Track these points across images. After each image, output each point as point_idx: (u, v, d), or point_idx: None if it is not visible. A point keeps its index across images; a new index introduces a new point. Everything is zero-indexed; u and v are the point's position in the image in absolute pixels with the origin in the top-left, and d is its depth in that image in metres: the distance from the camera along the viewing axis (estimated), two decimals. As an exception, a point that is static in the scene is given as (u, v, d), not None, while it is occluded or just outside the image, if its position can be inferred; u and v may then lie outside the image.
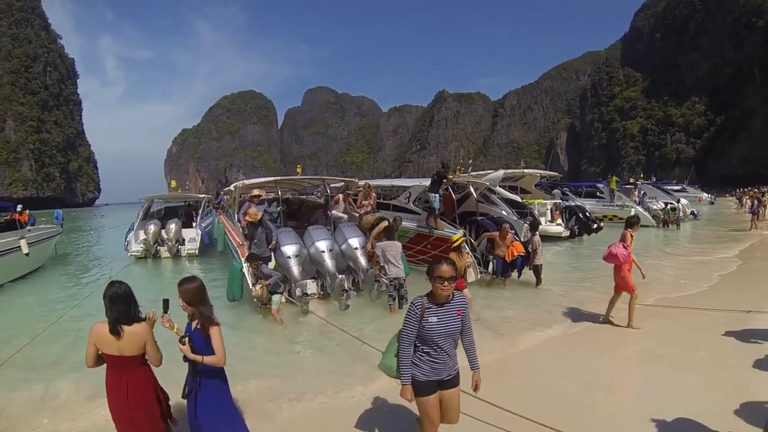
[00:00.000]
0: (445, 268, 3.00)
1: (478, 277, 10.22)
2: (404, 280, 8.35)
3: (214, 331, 2.99)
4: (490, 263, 10.69)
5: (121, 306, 3.03)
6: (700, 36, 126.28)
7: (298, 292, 8.04)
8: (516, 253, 9.88)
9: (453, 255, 7.28)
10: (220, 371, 3.15)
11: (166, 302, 3.08)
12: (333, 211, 10.83)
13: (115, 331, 2.97)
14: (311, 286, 8.66)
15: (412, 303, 3.16)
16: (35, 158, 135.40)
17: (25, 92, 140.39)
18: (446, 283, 2.99)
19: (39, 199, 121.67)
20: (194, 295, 3.04)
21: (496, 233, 10.17)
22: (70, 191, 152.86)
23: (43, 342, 6.94)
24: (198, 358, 2.95)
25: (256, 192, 9.49)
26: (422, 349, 3.11)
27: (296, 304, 8.10)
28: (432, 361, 3.09)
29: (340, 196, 11.33)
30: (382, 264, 8.34)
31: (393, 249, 8.32)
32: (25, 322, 8.59)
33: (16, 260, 12.24)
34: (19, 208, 15.66)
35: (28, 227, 14.02)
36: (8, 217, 13.50)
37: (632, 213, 23.19)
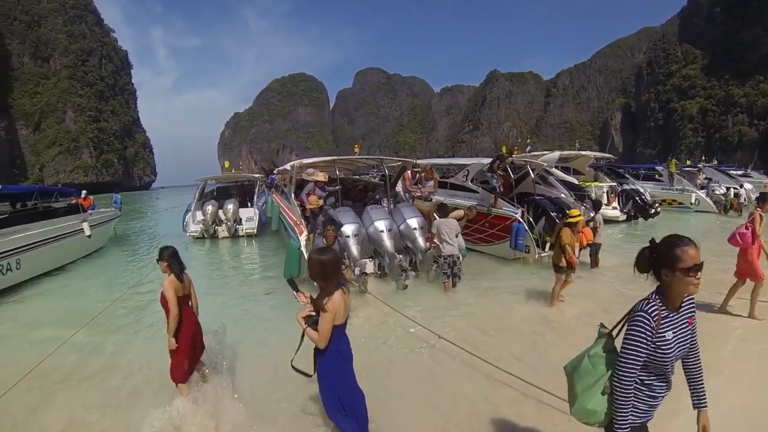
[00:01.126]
0: (694, 252, 2.11)
1: (536, 257, 10.00)
2: (458, 257, 8.27)
3: (323, 312, 3.05)
4: (547, 243, 10.44)
5: (179, 259, 4.28)
6: (764, 9, 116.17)
7: (356, 271, 8.04)
8: (586, 241, 9.19)
9: (566, 231, 6.96)
10: (329, 352, 3.15)
11: (291, 282, 3.83)
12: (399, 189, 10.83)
13: (181, 279, 4.24)
14: (369, 266, 8.67)
15: (640, 313, 2.16)
16: (94, 146, 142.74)
17: (82, 84, 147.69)
18: (699, 274, 2.12)
19: (99, 184, 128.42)
20: (317, 268, 3.13)
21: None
22: (127, 176, 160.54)
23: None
24: (302, 323, 3.20)
25: (320, 176, 9.39)
26: (643, 380, 2.24)
27: (354, 284, 8.14)
28: (651, 397, 2.26)
29: (409, 172, 11.19)
30: (436, 242, 8.31)
31: (448, 226, 8.23)
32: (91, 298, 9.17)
33: (79, 241, 13.05)
34: (83, 193, 16.62)
35: (89, 211, 14.80)
36: (73, 202, 14.26)
37: (693, 198, 22.27)
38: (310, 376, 3.29)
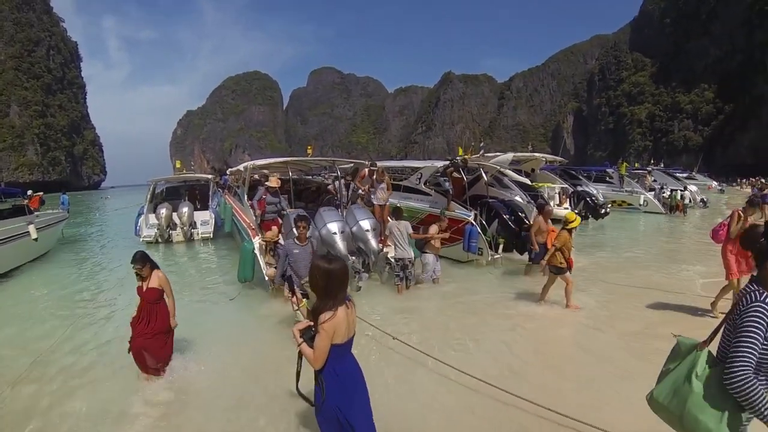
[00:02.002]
0: None
1: (489, 259, 10.20)
2: (410, 261, 8.44)
3: (320, 329, 2.65)
4: (500, 246, 10.68)
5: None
6: (711, 22, 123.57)
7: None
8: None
9: (564, 234, 7.19)
10: (325, 373, 2.75)
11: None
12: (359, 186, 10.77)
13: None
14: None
15: (760, 305, 1.98)
16: (40, 142, 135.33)
17: (28, 76, 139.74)
18: None
19: (45, 183, 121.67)
20: (322, 278, 2.71)
21: (539, 218, 9.23)
22: (75, 174, 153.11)
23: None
24: (297, 337, 2.78)
25: (273, 182, 9.13)
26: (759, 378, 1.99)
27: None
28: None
29: (366, 171, 11.07)
30: (389, 244, 8.42)
31: (400, 229, 8.44)
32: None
33: (25, 245, 12.37)
34: (29, 193, 15.76)
35: (36, 213, 14.07)
36: (19, 203, 13.52)
37: (642, 200, 23.32)
38: (312, 404, 2.84)
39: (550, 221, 9.14)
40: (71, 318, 7.57)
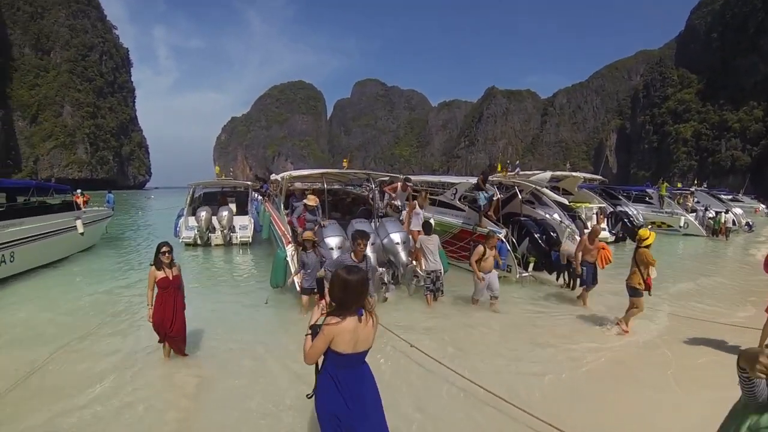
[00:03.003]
0: None
1: (517, 277, 10.15)
2: (441, 273, 8.62)
3: (321, 330, 2.80)
4: (530, 264, 10.62)
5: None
6: (759, 36, 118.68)
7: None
8: (609, 261, 8.82)
9: (644, 253, 6.82)
10: (322, 375, 2.91)
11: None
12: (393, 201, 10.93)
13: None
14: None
15: None
16: (90, 142, 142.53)
17: (82, 80, 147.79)
18: None
19: (93, 180, 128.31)
20: (339, 287, 2.84)
21: (585, 239, 8.78)
22: (122, 174, 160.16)
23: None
24: (308, 328, 2.94)
25: (311, 201, 9.22)
26: None
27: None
28: None
29: (399, 184, 11.25)
30: (420, 257, 8.55)
31: (431, 243, 8.58)
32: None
33: (72, 238, 13.23)
34: (79, 191, 16.67)
35: (84, 209, 14.93)
36: (68, 199, 14.32)
37: (682, 221, 22.60)
38: (309, 396, 2.98)
39: (596, 241, 8.68)
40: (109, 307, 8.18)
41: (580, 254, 8.62)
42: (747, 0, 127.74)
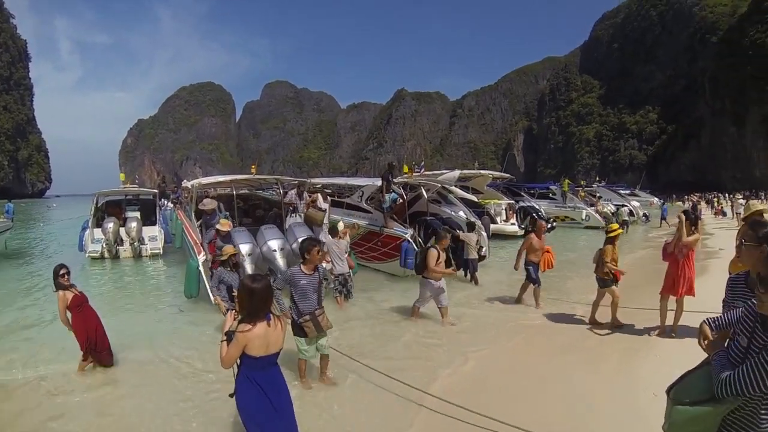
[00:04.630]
0: None
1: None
2: (350, 275, 8.92)
3: (234, 337, 3.00)
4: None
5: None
6: (656, 48, 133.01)
7: None
8: (551, 265, 8.71)
9: (608, 247, 6.99)
10: (239, 376, 3.14)
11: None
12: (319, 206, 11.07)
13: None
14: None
15: None
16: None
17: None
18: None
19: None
20: (246, 296, 3.03)
21: (532, 235, 8.52)
22: (19, 181, 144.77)
23: None
24: (222, 335, 3.18)
25: (224, 225, 8.58)
26: None
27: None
28: None
29: (319, 195, 11.44)
30: (328, 260, 8.80)
31: (339, 247, 8.90)
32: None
33: None
34: None
35: None
36: None
37: (584, 215, 24.75)
38: (231, 395, 3.17)
39: (544, 238, 8.60)
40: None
41: (524, 252, 8.46)
42: (645, 15, 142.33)
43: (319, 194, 11.01)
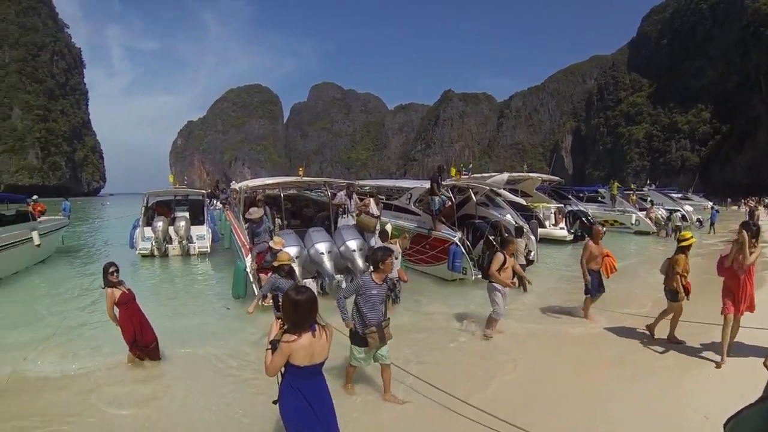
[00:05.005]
0: None
1: (473, 279, 10.41)
2: (398, 280, 8.60)
3: (279, 346, 3.00)
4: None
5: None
6: (706, 43, 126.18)
7: None
8: (614, 269, 8.24)
9: (680, 257, 6.51)
10: (284, 384, 3.12)
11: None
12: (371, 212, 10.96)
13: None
14: (311, 286, 8.90)
15: None
16: (41, 147, 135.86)
17: (31, 81, 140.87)
18: None
19: (44, 187, 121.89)
20: (290, 308, 3.03)
21: (590, 242, 8.03)
22: (75, 180, 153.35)
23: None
24: (267, 343, 3.14)
25: (277, 244, 7.63)
26: None
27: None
28: None
29: (371, 200, 11.34)
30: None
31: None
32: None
33: (28, 251, 12.76)
34: (34, 198, 15.99)
35: (39, 219, 14.42)
36: (24, 209, 13.82)
37: (633, 219, 23.66)
38: (274, 402, 3.18)
39: (602, 243, 8.06)
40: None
41: (585, 261, 7.87)
42: (696, 9, 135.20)
43: (371, 199, 10.85)
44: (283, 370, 3.06)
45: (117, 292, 5.65)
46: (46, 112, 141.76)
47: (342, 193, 11.51)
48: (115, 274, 5.69)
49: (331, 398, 3.26)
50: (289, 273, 6.35)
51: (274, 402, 3.16)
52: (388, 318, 4.89)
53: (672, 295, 6.56)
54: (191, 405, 4.96)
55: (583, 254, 7.91)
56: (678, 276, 6.44)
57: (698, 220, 26.83)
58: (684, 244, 6.58)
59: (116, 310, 5.67)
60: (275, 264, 6.34)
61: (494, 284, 6.93)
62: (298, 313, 2.96)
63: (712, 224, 24.61)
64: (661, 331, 6.85)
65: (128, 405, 4.99)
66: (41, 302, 9.85)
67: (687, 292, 6.51)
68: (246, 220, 9.56)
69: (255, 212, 9.33)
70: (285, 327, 3.05)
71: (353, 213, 10.87)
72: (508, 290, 7.15)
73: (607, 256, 8.07)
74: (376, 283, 4.74)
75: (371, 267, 4.88)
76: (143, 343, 5.83)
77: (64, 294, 10.45)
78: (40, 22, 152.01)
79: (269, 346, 3.05)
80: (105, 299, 5.66)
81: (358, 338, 4.74)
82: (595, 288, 7.87)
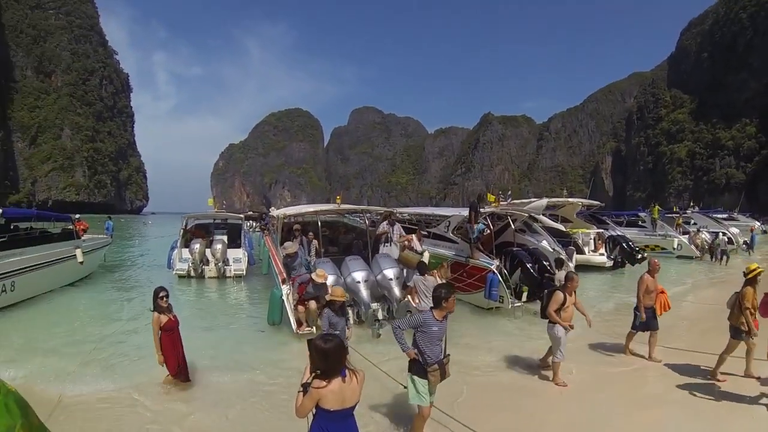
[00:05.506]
0: None
1: (510, 307, 10.16)
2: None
3: (309, 391, 2.98)
4: (524, 294, 10.66)
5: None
6: (748, 54, 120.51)
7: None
8: (667, 307, 7.65)
9: (748, 291, 6.10)
10: (312, 427, 3.09)
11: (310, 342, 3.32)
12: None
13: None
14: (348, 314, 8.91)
15: None
16: (88, 165, 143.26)
17: (82, 103, 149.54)
18: None
19: (90, 204, 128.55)
20: (319, 356, 3.00)
21: (647, 276, 7.38)
22: (119, 198, 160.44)
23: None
24: (300, 385, 3.10)
25: (320, 277, 7.95)
26: None
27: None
28: None
29: (414, 237, 11.30)
30: (414, 295, 8.48)
31: (426, 283, 8.47)
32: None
33: (72, 267, 13.33)
34: (77, 216, 16.65)
35: (83, 238, 15.03)
36: (69, 227, 14.38)
37: (675, 243, 22.73)
38: None
39: (657, 277, 7.47)
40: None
41: (641, 296, 7.26)
42: (735, 19, 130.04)
43: (414, 236, 10.86)
44: (314, 410, 3.04)
45: (164, 318, 5.70)
46: (94, 133, 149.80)
47: (385, 222, 11.53)
48: (165, 299, 5.74)
49: None
50: (341, 308, 6.05)
51: None
52: (449, 354, 4.65)
53: (735, 332, 6.14)
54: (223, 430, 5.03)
55: (639, 288, 7.31)
56: (747, 312, 5.98)
57: (745, 242, 25.52)
58: (751, 275, 6.13)
59: (160, 334, 5.74)
60: (327, 298, 6.24)
61: (553, 325, 6.42)
62: (326, 362, 2.95)
63: (750, 247, 23.18)
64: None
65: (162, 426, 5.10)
66: (81, 319, 10.24)
67: (751, 331, 6.02)
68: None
69: (289, 247, 9.32)
70: (314, 374, 3.03)
71: (396, 242, 10.86)
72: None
73: (662, 292, 7.53)
74: (437, 320, 4.49)
75: (432, 303, 4.67)
76: (185, 370, 5.96)
77: (104, 312, 10.80)
78: (91, 49, 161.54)
79: (301, 389, 3.04)
80: (142, 320, 5.84)
81: (420, 369, 4.47)
82: (645, 324, 7.28)
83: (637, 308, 7.35)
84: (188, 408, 5.59)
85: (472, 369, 7.10)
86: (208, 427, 5.12)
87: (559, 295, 6.39)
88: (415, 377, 4.48)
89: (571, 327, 6.38)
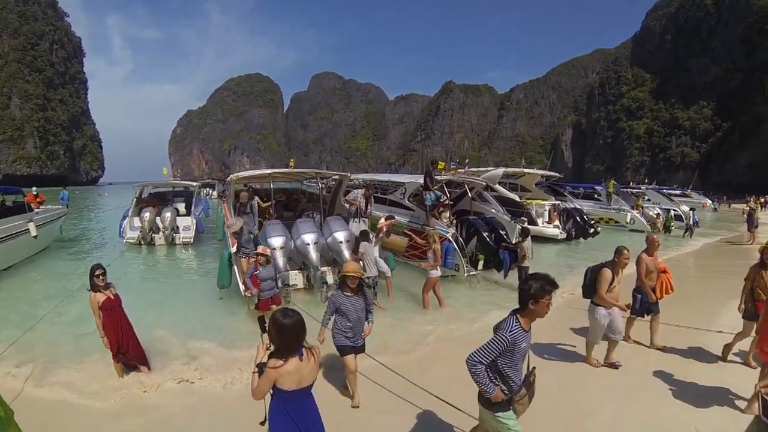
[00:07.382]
0: None
1: (465, 275, 10.26)
2: (375, 279, 8.45)
3: (265, 371, 2.86)
4: (479, 262, 10.74)
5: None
6: (711, 40, 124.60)
7: (279, 283, 7.93)
8: (670, 290, 6.68)
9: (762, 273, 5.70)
10: (272, 408, 2.98)
11: (261, 320, 3.22)
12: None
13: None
14: (296, 278, 8.80)
15: None
16: (40, 136, 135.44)
17: (31, 70, 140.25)
18: None
19: (42, 177, 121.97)
20: (275, 331, 2.86)
21: (644, 255, 6.59)
22: (74, 170, 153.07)
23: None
24: (254, 365, 2.97)
25: (264, 250, 7.44)
26: None
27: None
28: None
29: (360, 192, 11.20)
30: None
31: (370, 249, 8.52)
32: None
33: (25, 242, 12.69)
34: (34, 190, 16.14)
35: (37, 210, 14.47)
36: (20, 200, 13.75)
37: (628, 217, 23.48)
38: (262, 423, 3.09)
39: (656, 255, 6.70)
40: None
41: (643, 278, 6.53)
42: (700, 5, 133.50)
43: (360, 192, 10.72)
44: (271, 391, 2.93)
45: (100, 297, 5.29)
46: (45, 101, 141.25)
47: (359, 192, 11.31)
48: (102, 277, 5.30)
49: (320, 419, 3.12)
50: (359, 289, 4.89)
51: (262, 423, 3.07)
52: (534, 367, 3.45)
53: (747, 314, 5.79)
54: (177, 414, 4.85)
55: (639, 269, 6.57)
56: (763, 291, 5.59)
57: (694, 221, 25.70)
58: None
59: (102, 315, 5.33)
60: (339, 275, 5.42)
61: (597, 306, 5.73)
62: (284, 338, 2.82)
63: (688, 227, 23.29)
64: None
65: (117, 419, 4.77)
66: (35, 296, 9.70)
67: (758, 312, 5.47)
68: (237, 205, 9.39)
69: (233, 225, 8.92)
70: (271, 350, 2.91)
71: (369, 215, 10.70)
72: (617, 312, 5.81)
73: (664, 272, 6.69)
74: (525, 331, 3.19)
75: (520, 307, 3.23)
76: (131, 352, 5.56)
77: (60, 288, 10.18)
78: (40, 10, 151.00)
79: (255, 369, 2.92)
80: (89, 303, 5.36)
81: (504, 406, 3.24)
82: (645, 308, 6.58)
83: (636, 290, 6.67)
84: (140, 394, 5.26)
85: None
86: (163, 414, 4.86)
87: (607, 273, 5.64)
88: (502, 416, 3.24)
89: (628, 307, 5.91)
